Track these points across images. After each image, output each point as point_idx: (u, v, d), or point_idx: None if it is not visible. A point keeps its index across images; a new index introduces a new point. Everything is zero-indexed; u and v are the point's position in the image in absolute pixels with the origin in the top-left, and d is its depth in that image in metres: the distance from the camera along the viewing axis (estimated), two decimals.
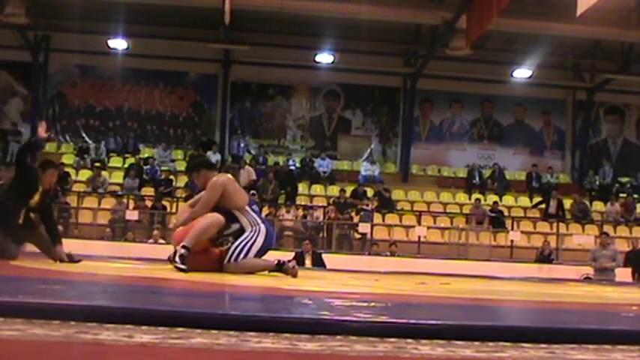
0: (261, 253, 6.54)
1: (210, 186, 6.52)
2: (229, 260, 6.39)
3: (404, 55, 23.02)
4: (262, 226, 6.57)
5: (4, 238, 6.92)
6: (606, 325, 2.99)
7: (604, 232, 15.87)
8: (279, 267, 6.51)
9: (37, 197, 7.20)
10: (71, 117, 22.64)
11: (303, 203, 19.87)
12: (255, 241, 6.47)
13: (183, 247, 6.10)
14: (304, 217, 18.68)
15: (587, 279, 14.10)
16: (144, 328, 2.18)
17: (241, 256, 6.41)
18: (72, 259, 7.01)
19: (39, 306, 2.39)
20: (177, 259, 6.08)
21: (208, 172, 6.78)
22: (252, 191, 18.64)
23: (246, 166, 20.04)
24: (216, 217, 6.34)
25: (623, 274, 14.55)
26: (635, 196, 21.96)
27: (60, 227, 16.11)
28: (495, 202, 20.24)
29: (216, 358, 1.85)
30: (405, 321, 2.51)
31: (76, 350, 1.86)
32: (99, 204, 18.62)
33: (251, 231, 6.49)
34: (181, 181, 20.00)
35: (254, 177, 19.72)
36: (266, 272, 6.62)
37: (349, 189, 20.14)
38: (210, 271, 6.18)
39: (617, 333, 2.54)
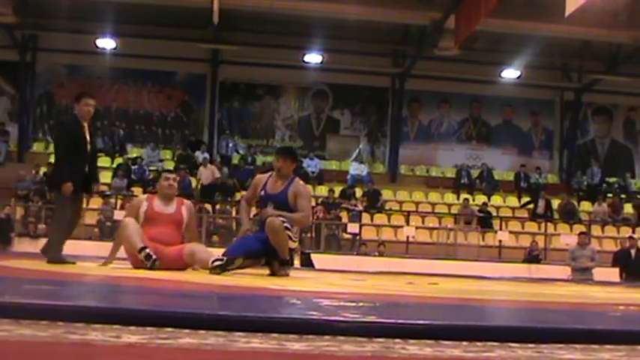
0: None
1: (308, 195, 7.23)
2: (280, 221, 6.59)
3: (392, 56, 23.06)
4: None
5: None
6: (593, 325, 3.00)
7: (582, 231, 15.80)
8: (288, 261, 6.74)
9: (87, 136, 7.14)
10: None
11: None
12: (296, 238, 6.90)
13: (140, 250, 6.52)
14: None
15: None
16: (131, 328, 2.17)
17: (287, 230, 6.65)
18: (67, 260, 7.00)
19: (26, 306, 2.37)
20: (144, 260, 6.47)
21: (292, 163, 7.15)
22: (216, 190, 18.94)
23: (208, 165, 20.06)
24: (131, 220, 6.77)
25: (604, 273, 14.57)
26: (623, 196, 22.08)
27: (44, 226, 16.18)
28: (484, 203, 20.31)
29: (204, 359, 1.85)
30: (393, 321, 2.51)
31: (64, 350, 1.85)
32: (87, 204, 18.47)
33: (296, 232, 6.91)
34: None
35: (218, 175, 19.71)
36: (254, 272, 6.66)
37: (338, 189, 20.14)
38: (175, 269, 6.46)
39: (604, 333, 2.54)
